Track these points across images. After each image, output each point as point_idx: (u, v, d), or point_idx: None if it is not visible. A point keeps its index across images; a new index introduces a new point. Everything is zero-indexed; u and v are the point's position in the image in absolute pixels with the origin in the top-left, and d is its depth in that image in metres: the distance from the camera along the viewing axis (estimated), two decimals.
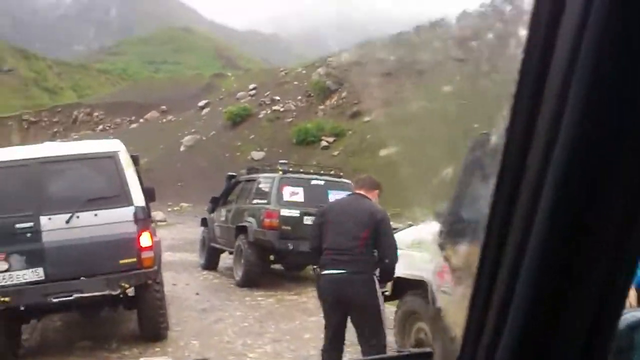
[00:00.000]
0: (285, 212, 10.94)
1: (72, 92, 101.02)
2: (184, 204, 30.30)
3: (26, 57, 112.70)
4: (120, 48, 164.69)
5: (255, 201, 11.70)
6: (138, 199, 7.25)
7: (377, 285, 5.27)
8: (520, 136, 0.71)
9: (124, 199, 7.18)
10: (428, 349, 1.86)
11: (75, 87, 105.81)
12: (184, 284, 11.84)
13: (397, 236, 5.58)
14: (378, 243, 5.19)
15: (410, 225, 7.05)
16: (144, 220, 7.26)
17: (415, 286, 6.03)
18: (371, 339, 5.25)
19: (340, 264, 5.18)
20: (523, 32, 0.70)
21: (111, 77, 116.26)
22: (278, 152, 32.60)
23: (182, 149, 39.51)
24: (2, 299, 6.73)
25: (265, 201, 11.32)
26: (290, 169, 11.93)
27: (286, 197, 11.09)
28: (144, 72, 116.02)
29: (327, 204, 7.41)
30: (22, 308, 7.07)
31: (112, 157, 7.33)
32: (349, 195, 5.89)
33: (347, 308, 5.29)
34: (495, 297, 0.75)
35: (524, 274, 0.71)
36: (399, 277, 5.82)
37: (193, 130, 41.72)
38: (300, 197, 11.12)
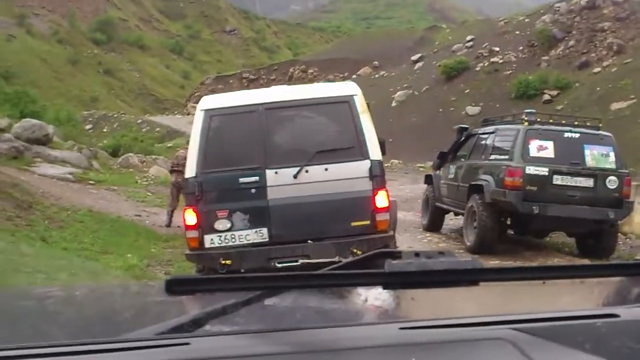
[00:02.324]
0: (530, 169, 9.37)
1: (287, 50, 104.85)
2: (395, 161, 29.48)
3: (247, 17, 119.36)
4: (334, 6, 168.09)
5: (493, 157, 10.25)
6: (374, 152, 6.26)
7: None
8: None
9: (358, 151, 6.22)
10: None
11: (291, 46, 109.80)
12: (406, 245, 10.76)
13: None
14: None
15: None
16: (380, 177, 6.27)
17: None
18: None
19: None
20: None
21: (325, 34, 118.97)
22: (495, 107, 30.76)
23: (393, 104, 38.71)
24: (224, 262, 6.03)
25: (506, 157, 9.84)
26: (538, 120, 10.16)
27: (533, 152, 9.48)
28: (357, 28, 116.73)
29: None
30: (242, 271, 6.39)
31: (347, 102, 6.33)
32: None
33: None
34: None
35: None
36: None
37: (405, 85, 40.71)
38: (549, 152, 9.46)
